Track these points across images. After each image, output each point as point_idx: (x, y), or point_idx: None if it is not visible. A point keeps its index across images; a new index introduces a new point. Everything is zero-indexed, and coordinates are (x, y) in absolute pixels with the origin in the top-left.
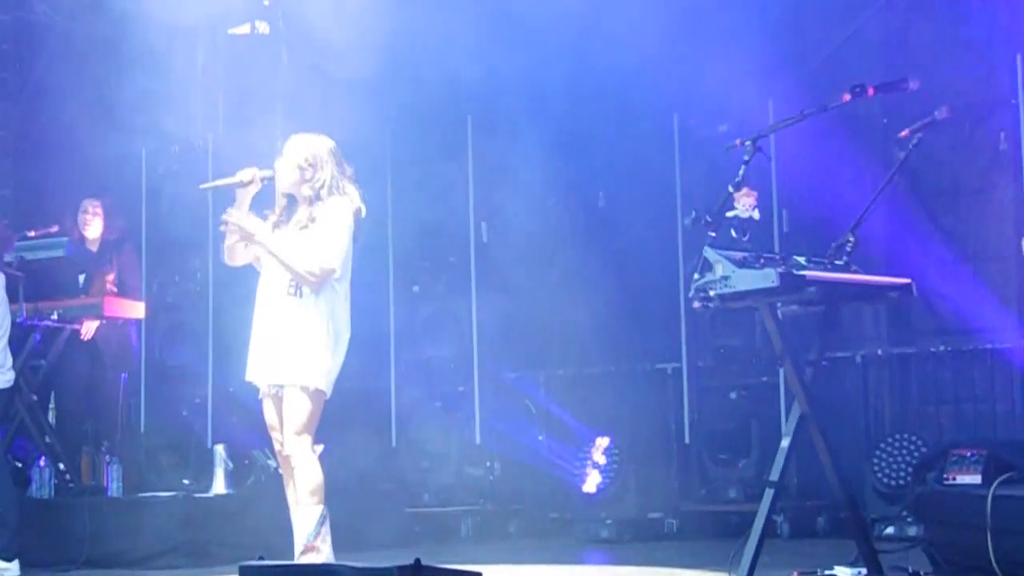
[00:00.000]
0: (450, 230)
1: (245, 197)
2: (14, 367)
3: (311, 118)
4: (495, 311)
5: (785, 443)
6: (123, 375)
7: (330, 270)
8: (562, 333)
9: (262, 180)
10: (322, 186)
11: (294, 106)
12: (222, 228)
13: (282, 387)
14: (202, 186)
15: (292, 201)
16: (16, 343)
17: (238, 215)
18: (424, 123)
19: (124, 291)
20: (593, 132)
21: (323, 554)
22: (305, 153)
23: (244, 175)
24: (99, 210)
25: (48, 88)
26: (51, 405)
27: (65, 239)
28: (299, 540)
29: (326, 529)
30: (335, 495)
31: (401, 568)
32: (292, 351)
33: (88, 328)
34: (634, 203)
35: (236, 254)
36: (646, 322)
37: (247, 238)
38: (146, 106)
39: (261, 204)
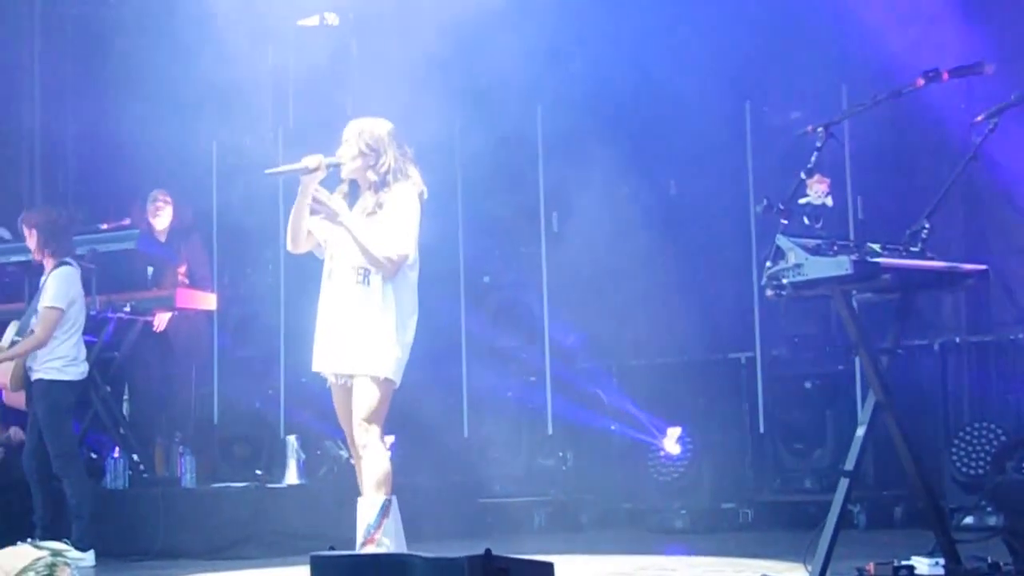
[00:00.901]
0: (521, 220)
1: (310, 184)
2: (88, 359)
3: (380, 109)
4: (566, 301)
5: (861, 432)
6: (194, 366)
7: (404, 256)
8: (634, 323)
9: (327, 167)
10: (387, 171)
11: (363, 97)
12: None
13: (351, 377)
14: (267, 171)
15: (354, 188)
16: (90, 335)
17: (326, 193)
18: (493, 112)
19: (194, 282)
20: (664, 120)
21: (384, 546)
22: (367, 138)
23: (309, 161)
24: (168, 200)
25: (119, 82)
26: (125, 397)
27: (136, 231)
28: (361, 531)
29: (389, 521)
30: (406, 486)
31: (471, 558)
32: (360, 340)
33: (160, 320)
34: (706, 191)
35: (300, 240)
36: (719, 311)
37: (331, 217)
38: (217, 99)
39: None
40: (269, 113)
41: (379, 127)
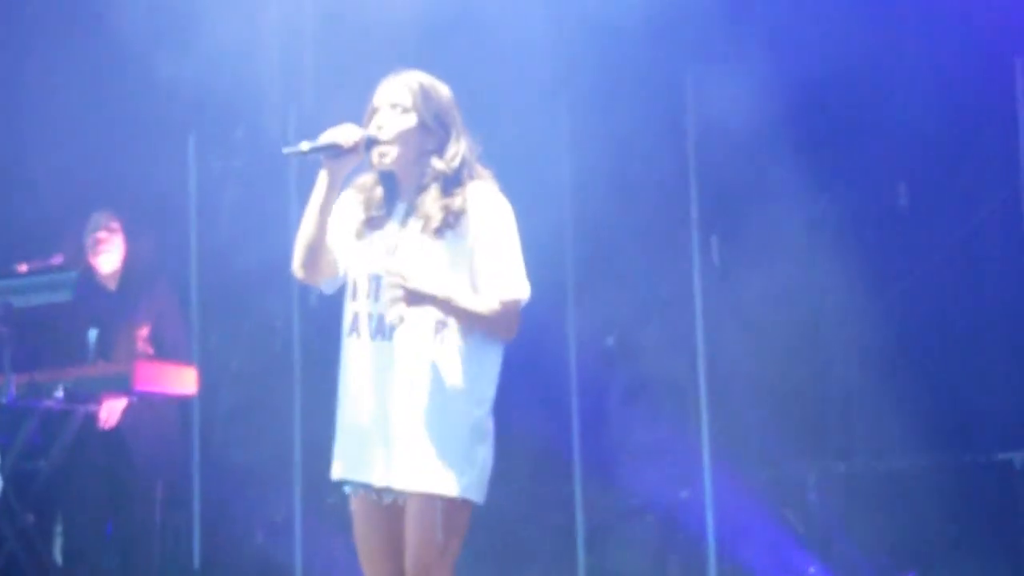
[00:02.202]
0: (661, 250)
1: (339, 172)
2: (0, 471)
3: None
4: (734, 369)
5: None
6: (161, 481)
7: (522, 301)
8: (841, 404)
9: (368, 146)
10: (462, 162)
11: (420, 60)
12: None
13: (405, 495)
14: (285, 150)
15: (390, 182)
16: (3, 435)
17: (397, 264)
18: (624, 99)
19: (162, 351)
20: (888, 95)
21: None
22: (434, 104)
23: (341, 135)
24: (117, 226)
25: (37, 47)
26: (58, 530)
27: (72, 275)
28: None
29: None
30: None
31: None
32: (428, 436)
33: (111, 411)
34: (957, 196)
35: (318, 260)
36: (979, 387)
37: (420, 302)
38: (193, 71)
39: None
40: (276, 87)
41: (443, 90)
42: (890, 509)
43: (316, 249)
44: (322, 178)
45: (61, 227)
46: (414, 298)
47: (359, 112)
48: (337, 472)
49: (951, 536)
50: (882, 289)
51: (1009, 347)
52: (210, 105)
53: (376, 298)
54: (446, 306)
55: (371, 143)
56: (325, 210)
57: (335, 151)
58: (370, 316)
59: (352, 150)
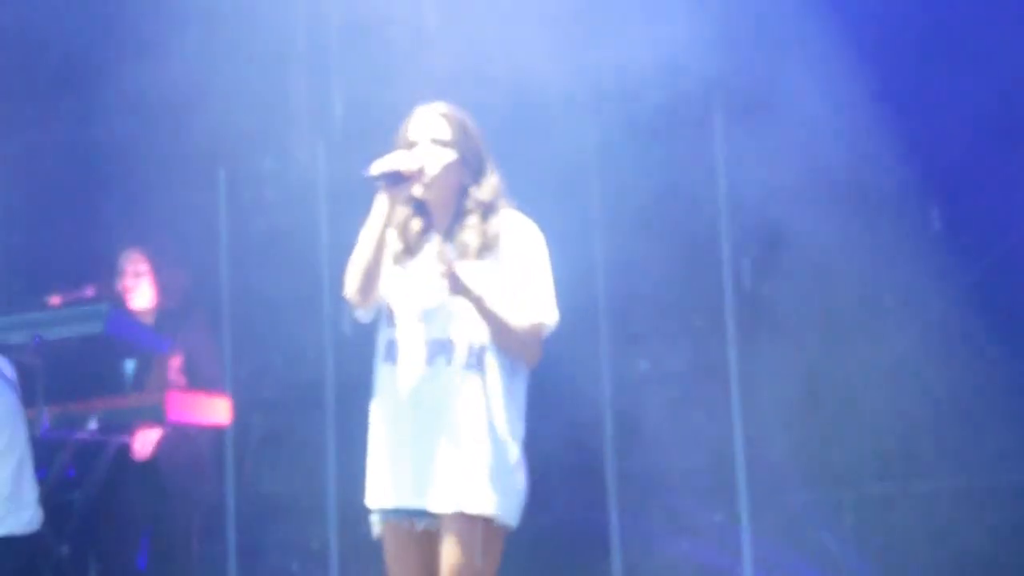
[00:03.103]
0: (695, 272)
1: (397, 200)
2: (37, 502)
3: (476, 114)
4: (768, 397)
5: None
6: (198, 511)
7: (549, 327)
8: (876, 431)
9: (423, 178)
10: (497, 192)
11: (447, 92)
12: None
13: (439, 520)
14: (368, 173)
15: (423, 211)
16: (37, 467)
17: (447, 249)
18: (655, 125)
19: (195, 382)
20: (919, 120)
21: None
22: (471, 140)
23: (403, 162)
24: (144, 268)
25: (64, 84)
26: (92, 563)
27: (104, 307)
28: None
29: None
30: None
31: None
32: (471, 461)
33: (144, 442)
34: (990, 220)
35: (374, 285)
36: (1016, 409)
37: (458, 290)
38: (222, 104)
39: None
40: (304, 119)
41: (474, 123)
42: (927, 531)
43: (373, 273)
44: (380, 203)
45: (92, 260)
46: (455, 283)
47: (386, 142)
48: (374, 499)
49: (990, 559)
50: (916, 314)
51: None
52: (239, 137)
53: (419, 324)
54: (481, 305)
55: (423, 174)
56: (381, 235)
57: (397, 177)
58: (410, 343)
59: (410, 178)
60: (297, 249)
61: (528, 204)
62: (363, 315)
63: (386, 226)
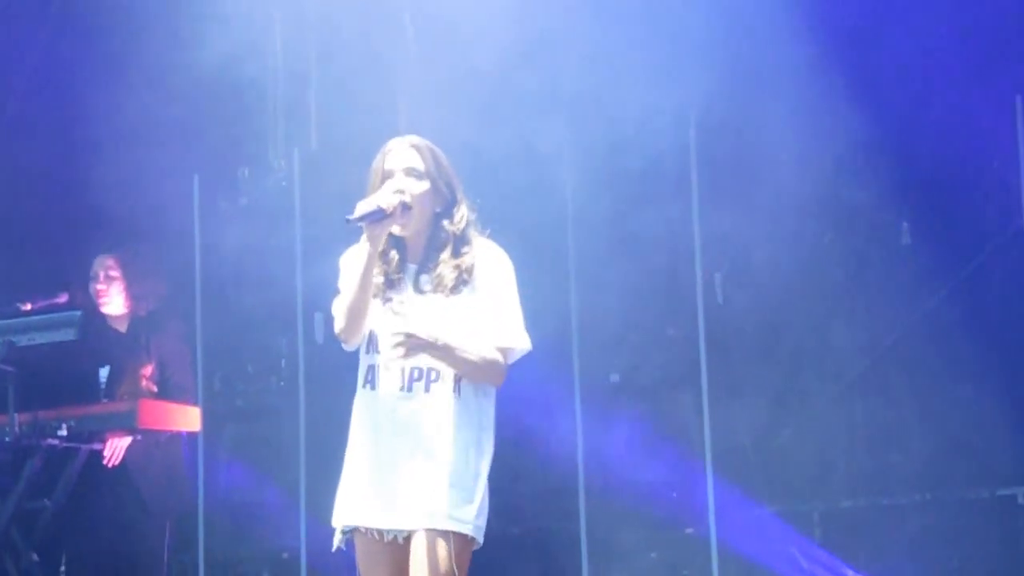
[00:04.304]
0: (667, 286)
1: (381, 238)
2: (2, 511)
3: (451, 129)
4: (738, 413)
5: None
6: (169, 519)
7: (521, 351)
8: (845, 444)
9: (403, 210)
10: (467, 221)
11: (423, 105)
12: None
13: (409, 533)
14: (348, 218)
15: (398, 244)
16: (6, 474)
17: (403, 323)
18: (629, 137)
19: (168, 391)
20: (890, 134)
21: None
22: (443, 170)
23: (383, 201)
24: (116, 273)
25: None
26: (62, 568)
27: (77, 314)
28: None
29: None
30: None
31: None
32: (445, 479)
33: (116, 449)
34: (957, 236)
35: (362, 323)
36: (983, 422)
37: (418, 350)
38: (198, 111)
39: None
40: (280, 126)
41: (443, 154)
42: (894, 545)
43: (361, 314)
44: (364, 245)
45: (66, 267)
46: (414, 348)
47: (361, 153)
48: (342, 519)
49: (954, 572)
50: (886, 327)
51: (1012, 383)
52: (215, 145)
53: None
54: (441, 354)
55: (404, 208)
56: (368, 275)
57: (380, 215)
58: (388, 369)
59: (392, 215)
60: (271, 258)
61: (501, 218)
62: (349, 347)
63: (371, 267)
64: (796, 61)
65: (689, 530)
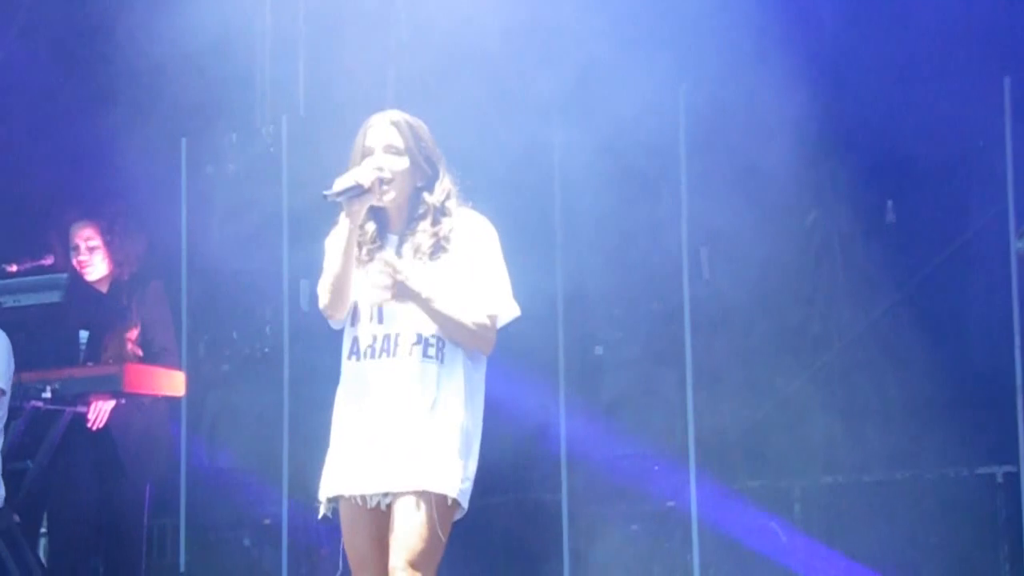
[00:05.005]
0: (653, 262)
1: (360, 214)
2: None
3: (440, 99)
4: (721, 385)
5: None
6: (150, 483)
7: (510, 317)
8: (826, 421)
9: (382, 188)
10: (447, 194)
11: (413, 75)
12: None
13: (390, 496)
14: (326, 194)
15: (381, 217)
16: None
17: (392, 256)
18: (617, 112)
19: (152, 355)
20: (877, 113)
21: None
22: (424, 146)
23: (362, 176)
24: (96, 244)
25: (29, 57)
26: (43, 530)
27: (63, 276)
28: None
29: None
30: None
31: None
32: (425, 445)
33: (99, 412)
34: (942, 215)
35: (345, 298)
36: (962, 403)
37: (403, 295)
38: (186, 75)
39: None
40: (267, 94)
41: (425, 128)
42: (874, 522)
43: (344, 288)
44: (344, 220)
45: (52, 229)
46: (401, 290)
47: (349, 120)
48: (329, 490)
49: (933, 548)
50: (869, 305)
51: (992, 362)
52: (203, 109)
53: (379, 320)
54: (428, 306)
55: (381, 183)
56: (350, 249)
57: (359, 191)
58: (373, 338)
59: (371, 189)
60: (257, 223)
61: (489, 189)
62: (336, 324)
63: (352, 241)
64: (784, 42)
65: (671, 503)
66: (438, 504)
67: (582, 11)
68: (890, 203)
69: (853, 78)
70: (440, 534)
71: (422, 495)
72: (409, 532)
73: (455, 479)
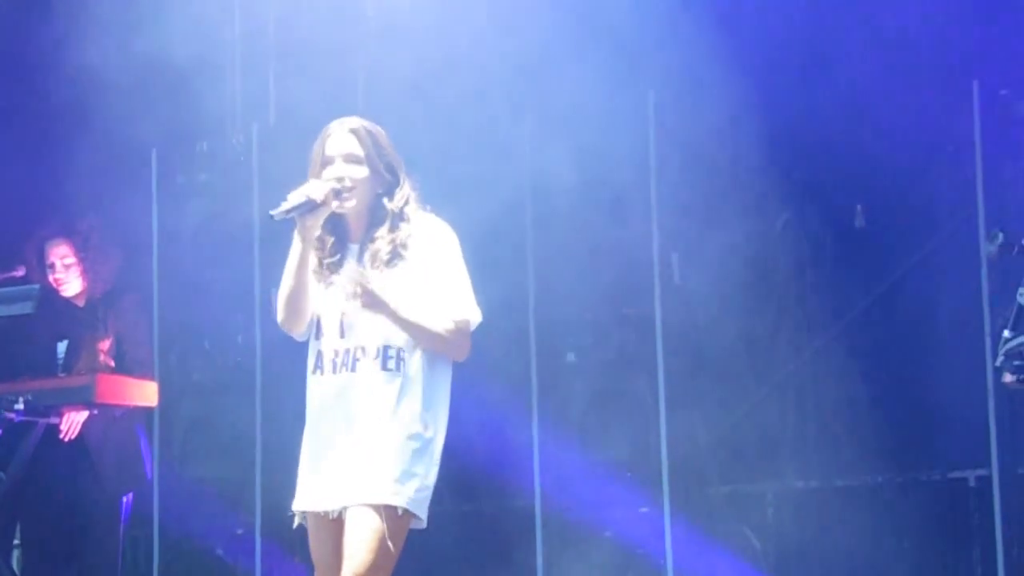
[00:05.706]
0: (624, 266)
1: (314, 228)
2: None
3: (410, 107)
4: (693, 390)
5: None
6: (125, 496)
7: (474, 322)
8: (798, 425)
9: (338, 197)
10: (406, 200)
11: (383, 82)
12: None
13: (342, 509)
14: (273, 213)
15: (340, 227)
16: None
17: (361, 272)
18: (587, 119)
19: (125, 366)
20: (846, 117)
21: None
22: (383, 153)
23: (314, 191)
24: (71, 259)
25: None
26: (16, 541)
27: (35, 288)
28: None
29: None
30: None
31: None
32: (384, 456)
33: (72, 423)
34: (912, 219)
35: (303, 312)
36: (933, 406)
37: (373, 305)
38: (156, 86)
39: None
40: (238, 103)
41: (384, 135)
42: (846, 527)
43: (300, 302)
44: (298, 236)
45: (23, 241)
46: (369, 299)
47: (320, 128)
48: (296, 504)
49: (906, 552)
50: (840, 309)
51: (963, 367)
52: (174, 120)
53: (341, 335)
54: (396, 316)
55: (338, 194)
56: (304, 265)
57: (311, 206)
58: (335, 352)
59: (324, 203)
60: (228, 233)
61: (459, 196)
62: (299, 336)
63: (306, 258)
64: (754, 43)
65: (644, 509)
66: (388, 516)
67: (551, 18)
68: (860, 207)
69: (823, 83)
70: (390, 545)
71: (372, 507)
72: (358, 544)
73: (407, 489)
